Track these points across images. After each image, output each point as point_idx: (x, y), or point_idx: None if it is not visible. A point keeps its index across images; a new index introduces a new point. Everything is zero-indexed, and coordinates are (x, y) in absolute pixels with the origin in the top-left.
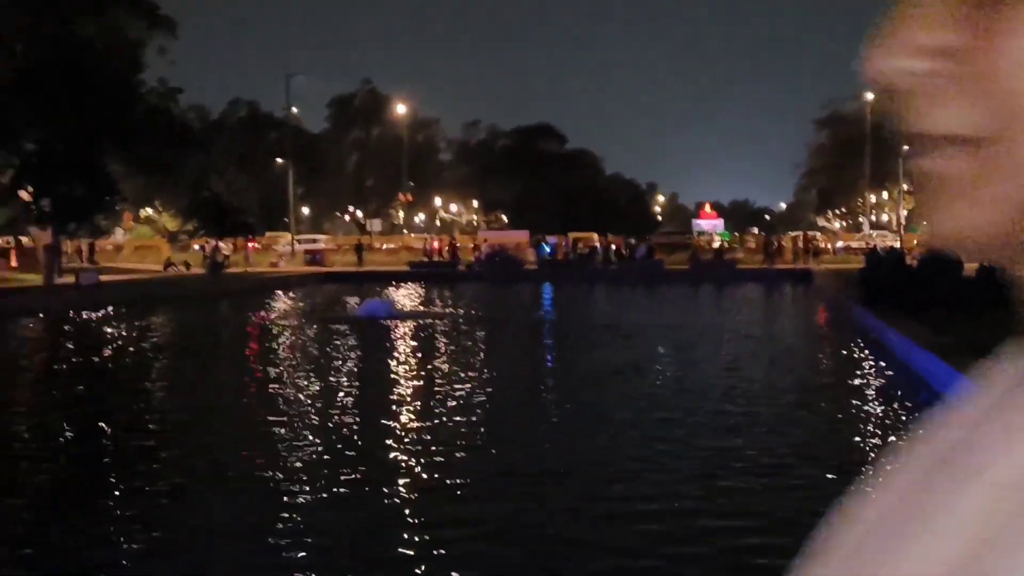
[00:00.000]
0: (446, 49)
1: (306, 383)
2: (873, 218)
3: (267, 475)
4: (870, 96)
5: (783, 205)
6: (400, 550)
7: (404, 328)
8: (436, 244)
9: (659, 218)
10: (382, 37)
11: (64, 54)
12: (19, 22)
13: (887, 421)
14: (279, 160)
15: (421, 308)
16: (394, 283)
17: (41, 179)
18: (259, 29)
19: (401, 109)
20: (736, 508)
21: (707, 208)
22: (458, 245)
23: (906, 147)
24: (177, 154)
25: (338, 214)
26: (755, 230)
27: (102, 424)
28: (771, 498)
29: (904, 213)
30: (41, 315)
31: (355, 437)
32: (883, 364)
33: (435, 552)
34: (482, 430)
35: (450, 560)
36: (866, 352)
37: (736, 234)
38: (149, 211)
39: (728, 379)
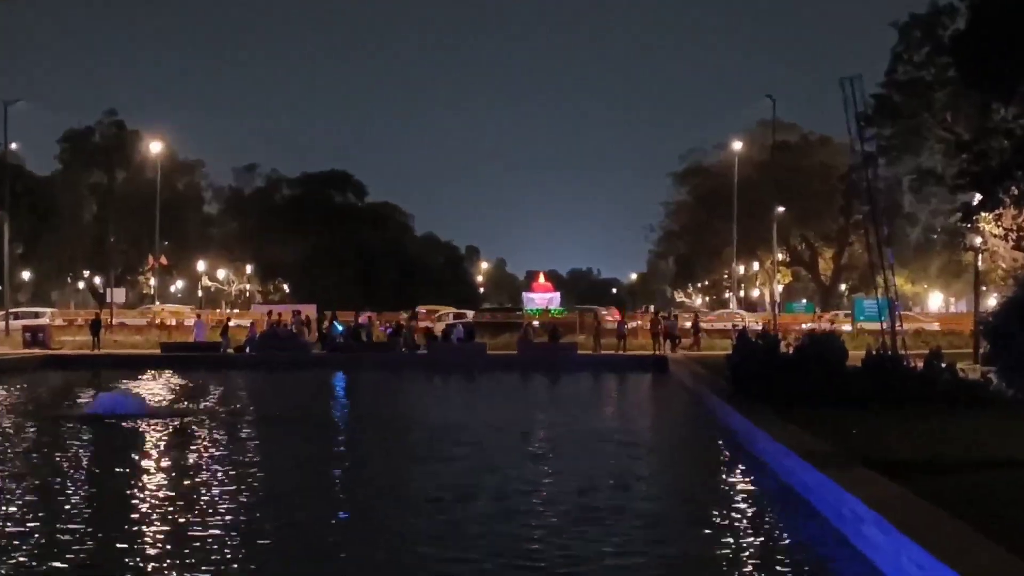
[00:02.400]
0: (214, 78)
1: (7, 500)
2: (741, 293)
3: None
4: (738, 145)
5: (634, 276)
6: None
7: (151, 430)
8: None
9: (482, 289)
10: (131, 59)
11: None
12: None
13: (746, 546)
14: None
15: (175, 404)
16: (142, 370)
17: None
18: None
19: (155, 148)
20: None
21: (541, 278)
22: (231, 323)
23: (780, 208)
24: None
25: (70, 280)
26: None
27: None
28: None
29: (779, 288)
30: None
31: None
32: (749, 473)
33: None
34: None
35: None
36: (729, 460)
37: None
38: None
39: (540, 513)
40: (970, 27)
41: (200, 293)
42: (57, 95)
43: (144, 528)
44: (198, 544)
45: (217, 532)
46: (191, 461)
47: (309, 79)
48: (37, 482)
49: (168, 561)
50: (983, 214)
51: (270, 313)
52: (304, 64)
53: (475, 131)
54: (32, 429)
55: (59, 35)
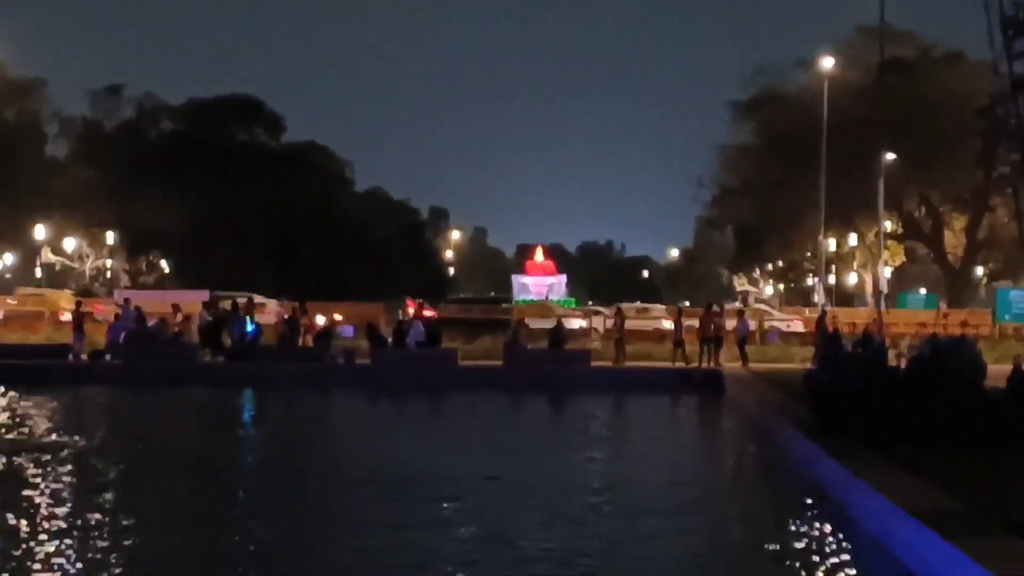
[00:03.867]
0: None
1: None
2: (832, 279)
3: None
4: (829, 63)
5: (675, 253)
6: None
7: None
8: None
9: (452, 269)
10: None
11: None
12: None
13: None
14: None
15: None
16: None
17: None
18: None
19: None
20: None
21: (539, 255)
22: (84, 311)
23: (890, 156)
24: None
25: None
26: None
27: None
28: None
29: (887, 272)
30: None
31: None
32: (848, 545)
33: None
34: None
35: None
36: (817, 525)
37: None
38: None
39: None
40: None
41: (39, 272)
42: None
43: None
44: None
45: None
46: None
47: None
48: None
49: None
50: None
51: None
52: None
53: (446, 49)
54: None
55: None
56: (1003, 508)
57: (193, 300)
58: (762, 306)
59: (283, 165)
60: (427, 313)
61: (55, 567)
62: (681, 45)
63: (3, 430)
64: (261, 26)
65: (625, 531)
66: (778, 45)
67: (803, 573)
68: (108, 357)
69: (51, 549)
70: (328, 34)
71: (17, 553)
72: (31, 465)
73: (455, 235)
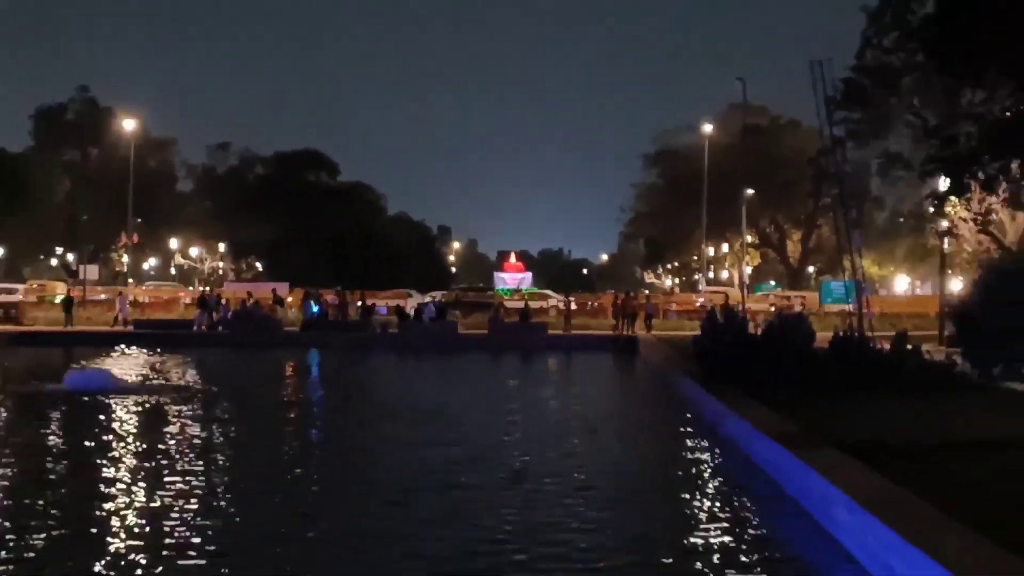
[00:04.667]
0: (189, 55)
1: None
2: (711, 275)
3: None
4: (708, 128)
5: (604, 257)
6: None
7: (123, 406)
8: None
9: (453, 269)
10: (102, 35)
11: None
12: None
13: (718, 520)
14: None
15: (147, 380)
16: (115, 347)
17: None
18: None
19: (128, 125)
20: None
21: (512, 258)
22: (214, 298)
23: (750, 191)
24: None
25: (43, 257)
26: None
27: None
28: None
29: (748, 270)
30: None
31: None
32: (718, 454)
33: None
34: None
35: None
36: (697, 438)
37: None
38: None
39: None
40: (938, 11)
41: (173, 271)
42: (27, 71)
43: (109, 505)
44: (163, 521)
45: (182, 513)
46: (158, 437)
47: (286, 58)
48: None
49: (133, 534)
50: (951, 199)
51: (248, 295)
52: (281, 43)
53: (450, 113)
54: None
55: (28, 8)
56: (826, 431)
57: (280, 290)
58: (661, 292)
59: (338, 198)
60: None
61: (200, 464)
62: (610, 107)
63: (153, 376)
64: (325, 93)
65: (559, 433)
66: (676, 112)
67: (685, 468)
68: (220, 328)
69: (195, 453)
70: (372, 92)
71: (176, 449)
72: (170, 399)
73: (455, 245)
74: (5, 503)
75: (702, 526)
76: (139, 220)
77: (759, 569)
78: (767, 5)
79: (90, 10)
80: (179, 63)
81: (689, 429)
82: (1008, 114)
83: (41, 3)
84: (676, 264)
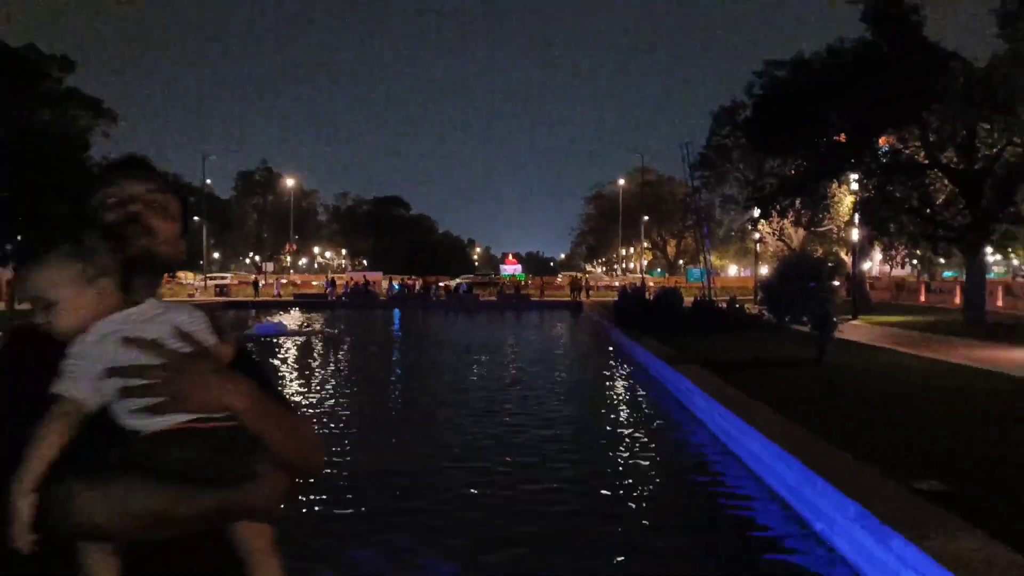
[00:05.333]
0: (325, 135)
1: None
2: (625, 265)
3: None
4: (621, 181)
5: (563, 255)
6: None
7: (290, 342)
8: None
9: (475, 263)
10: (277, 126)
11: (25, 134)
12: None
13: (628, 404)
14: (196, 219)
15: (302, 327)
16: (285, 310)
17: (2, 227)
18: (180, 118)
19: (290, 183)
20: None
21: (510, 257)
22: (336, 281)
23: (646, 217)
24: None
25: (241, 258)
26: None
27: None
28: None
29: (644, 263)
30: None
31: None
32: (629, 368)
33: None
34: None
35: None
36: (618, 359)
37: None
38: None
39: (522, 373)
40: (754, 114)
41: (316, 266)
42: (232, 146)
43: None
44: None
45: (350, 395)
46: (316, 360)
47: (382, 132)
48: None
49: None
50: (762, 221)
51: (352, 279)
52: (380, 123)
53: (475, 154)
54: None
55: (225, 100)
56: (689, 354)
57: (376, 278)
58: (597, 276)
59: (410, 222)
60: (450, 282)
61: (345, 366)
62: (574, 166)
63: (306, 325)
64: (406, 150)
65: (541, 352)
66: (608, 170)
67: (610, 375)
68: (343, 298)
69: (339, 363)
70: (434, 149)
71: (334, 375)
72: (317, 338)
73: (478, 249)
74: None
75: (617, 407)
76: (296, 237)
77: (648, 425)
78: (661, 101)
79: (271, 108)
80: (322, 142)
81: (611, 352)
82: (792, 172)
83: (237, 109)
84: (604, 259)
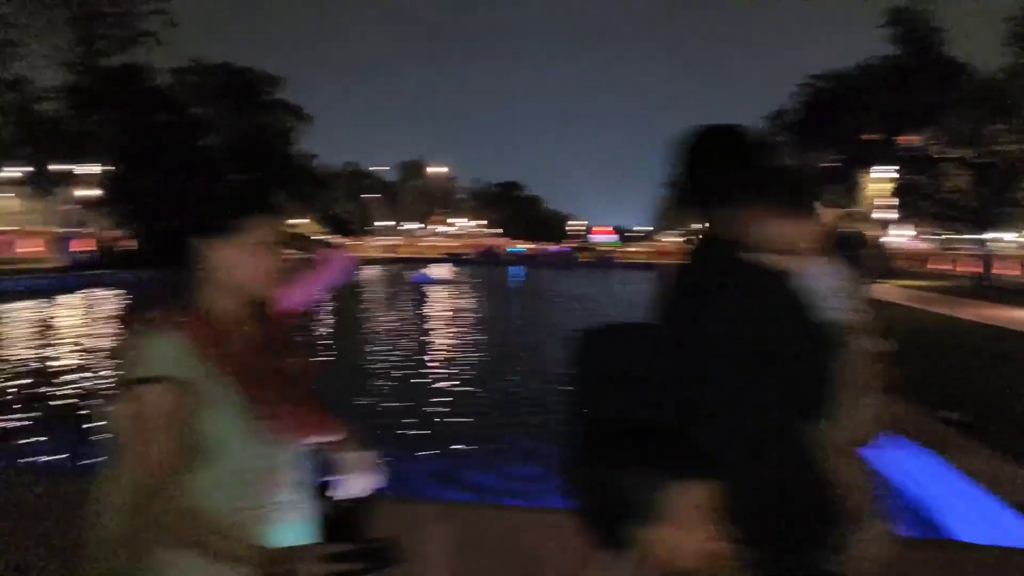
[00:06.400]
0: (464, 130)
1: (386, 318)
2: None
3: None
4: None
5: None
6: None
7: (440, 288)
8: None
9: (569, 233)
10: (428, 122)
11: (248, 133)
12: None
13: None
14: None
15: (449, 277)
16: (433, 264)
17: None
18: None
19: (438, 170)
20: None
21: (604, 228)
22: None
23: None
24: (313, 190)
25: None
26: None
27: None
28: None
29: None
30: None
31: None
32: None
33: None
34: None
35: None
36: None
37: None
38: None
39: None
40: (801, 117)
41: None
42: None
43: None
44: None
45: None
46: (456, 300)
47: (509, 125)
48: (401, 307)
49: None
50: None
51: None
52: (507, 117)
53: (567, 142)
54: (391, 290)
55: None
56: None
57: (503, 242)
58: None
59: (526, 201)
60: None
61: (476, 299)
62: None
63: (448, 277)
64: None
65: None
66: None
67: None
68: (475, 255)
69: (472, 302)
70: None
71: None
72: (458, 284)
73: (573, 222)
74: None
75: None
76: (443, 209)
77: None
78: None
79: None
80: (461, 136)
81: None
82: (826, 165)
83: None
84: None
